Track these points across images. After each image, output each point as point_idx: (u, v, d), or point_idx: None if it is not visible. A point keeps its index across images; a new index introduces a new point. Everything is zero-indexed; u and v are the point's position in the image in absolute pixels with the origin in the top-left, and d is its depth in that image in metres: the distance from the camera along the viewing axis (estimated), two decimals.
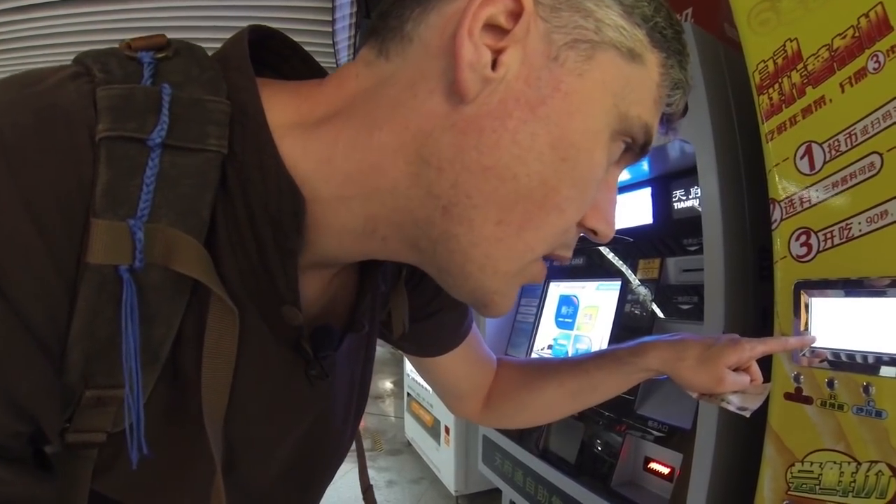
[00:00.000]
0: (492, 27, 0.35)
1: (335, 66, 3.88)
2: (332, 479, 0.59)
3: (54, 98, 0.31)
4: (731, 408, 0.64)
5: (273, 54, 0.45)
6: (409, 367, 3.52)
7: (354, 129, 0.38)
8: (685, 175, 1.46)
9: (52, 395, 0.33)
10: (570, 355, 0.74)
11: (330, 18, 3.57)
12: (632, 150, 0.42)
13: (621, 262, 1.70)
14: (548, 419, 0.79)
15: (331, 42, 3.73)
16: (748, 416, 0.64)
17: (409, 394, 3.57)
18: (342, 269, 0.49)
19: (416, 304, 0.60)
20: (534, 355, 1.96)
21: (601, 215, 0.43)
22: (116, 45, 0.36)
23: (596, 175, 0.40)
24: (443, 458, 2.88)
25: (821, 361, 0.87)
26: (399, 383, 4.97)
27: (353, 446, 0.62)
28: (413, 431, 3.49)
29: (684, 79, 0.42)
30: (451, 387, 0.74)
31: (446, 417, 2.83)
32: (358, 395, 0.59)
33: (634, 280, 1.61)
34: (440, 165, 0.37)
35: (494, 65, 0.35)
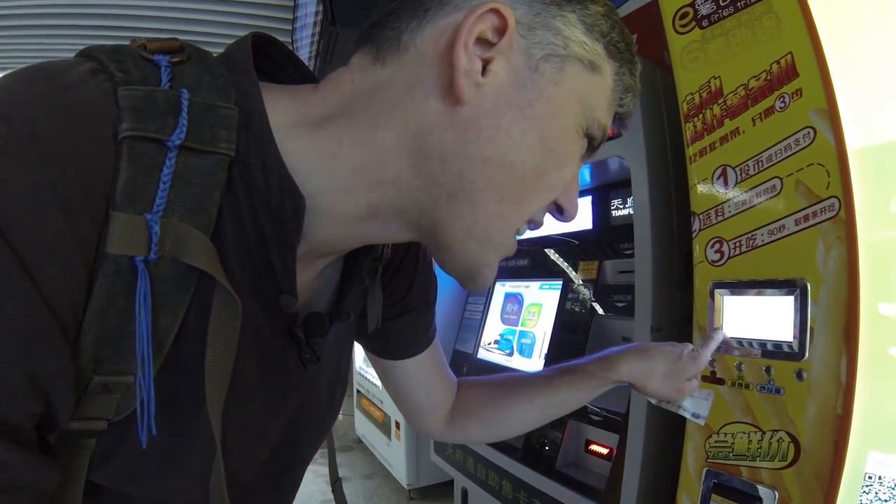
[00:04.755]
0: (481, 41, 0.39)
1: None
2: (307, 467, 0.61)
3: (81, 94, 0.32)
4: (686, 414, 0.71)
5: (268, 59, 0.47)
6: (358, 363, 3.49)
7: (357, 128, 0.41)
8: (622, 186, 1.56)
9: (68, 377, 0.33)
10: (536, 371, 0.76)
11: (291, 17, 3.52)
12: (590, 146, 0.47)
13: (563, 263, 1.79)
14: (514, 434, 0.79)
15: (290, 40, 3.67)
16: (702, 423, 0.73)
17: (358, 391, 3.54)
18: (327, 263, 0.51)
19: (387, 301, 0.62)
20: (481, 349, 2.04)
21: (569, 197, 0.48)
22: (127, 43, 0.37)
23: (575, 159, 0.45)
24: (394, 453, 2.89)
25: (729, 349, 0.98)
26: None
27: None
28: (363, 428, 3.48)
29: (634, 84, 0.47)
30: (413, 398, 0.74)
31: (397, 413, 2.79)
32: (341, 385, 0.61)
33: (575, 280, 1.71)
34: (443, 158, 0.41)
35: (484, 72, 0.40)
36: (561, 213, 0.48)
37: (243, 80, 0.39)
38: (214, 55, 0.40)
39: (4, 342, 0.29)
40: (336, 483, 0.73)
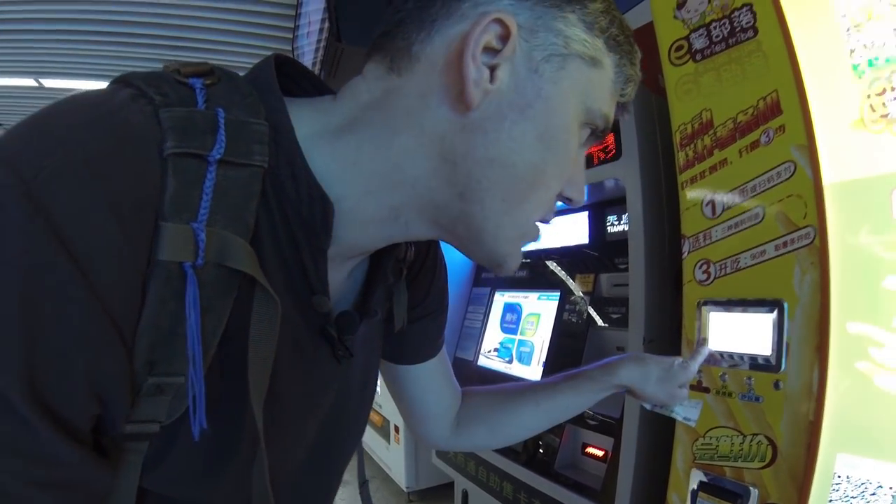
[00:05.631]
0: (487, 49, 0.41)
1: None
2: (345, 467, 0.62)
3: (125, 117, 0.34)
4: (678, 418, 0.76)
5: (285, 77, 0.48)
6: None
7: (376, 135, 0.43)
8: (618, 203, 1.61)
9: (125, 380, 0.34)
10: (542, 379, 0.86)
11: (292, 25, 3.55)
12: (594, 135, 0.48)
13: (562, 273, 1.85)
14: (520, 438, 0.81)
15: (290, 48, 3.69)
16: (693, 425, 0.79)
17: None
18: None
19: (408, 304, 0.63)
20: (481, 357, 2.08)
21: (575, 186, 0.49)
22: (160, 69, 0.40)
23: (571, 156, 0.46)
24: (393, 457, 2.89)
25: (715, 362, 1.05)
26: None
27: None
28: None
29: (635, 73, 0.48)
30: (421, 404, 0.74)
31: (395, 417, 2.84)
32: (371, 385, 0.62)
33: (572, 291, 1.76)
34: (455, 160, 0.42)
35: (491, 79, 0.41)
36: (569, 201, 0.50)
37: (270, 97, 0.41)
38: (241, 75, 0.43)
39: (67, 345, 0.31)
40: (364, 485, 0.74)
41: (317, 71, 2.88)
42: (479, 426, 0.77)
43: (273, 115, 0.40)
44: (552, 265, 1.92)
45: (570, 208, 1.75)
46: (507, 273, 0.50)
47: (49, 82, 4.88)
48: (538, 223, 0.49)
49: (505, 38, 0.41)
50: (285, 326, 0.41)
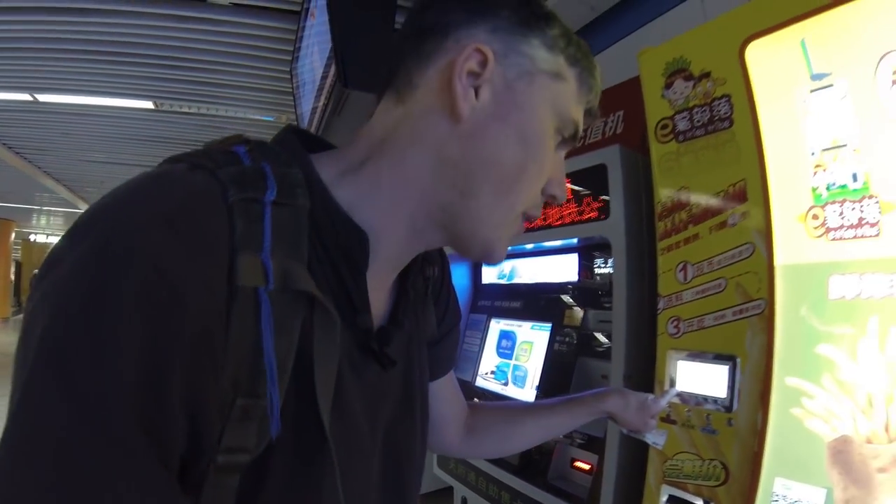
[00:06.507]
0: (470, 72, 0.47)
1: (291, 89, 3.85)
2: (418, 485, 0.64)
3: (191, 180, 0.39)
4: (648, 442, 0.88)
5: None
6: None
7: (391, 158, 0.50)
8: (605, 247, 1.71)
9: (216, 397, 0.37)
10: (541, 400, 0.97)
11: (290, 48, 3.62)
12: (567, 139, 0.54)
13: (570, 301, 1.98)
14: (523, 448, 0.93)
15: (288, 69, 3.79)
16: (660, 448, 0.94)
17: None
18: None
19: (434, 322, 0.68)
20: (479, 378, 2.21)
21: (558, 185, 0.55)
22: (202, 146, 0.45)
23: (548, 155, 0.52)
24: None
25: (682, 400, 1.21)
26: None
27: None
28: None
29: (595, 82, 0.54)
30: (437, 414, 0.75)
31: None
32: (420, 395, 0.63)
33: (566, 322, 1.91)
34: (456, 164, 0.49)
35: (476, 96, 0.48)
36: (554, 199, 0.56)
37: (297, 154, 0.48)
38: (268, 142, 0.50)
39: (165, 359, 0.33)
40: None
41: (321, 108, 2.93)
42: (489, 436, 0.85)
43: (303, 167, 0.47)
44: (544, 299, 2.06)
45: (563, 249, 1.99)
46: (496, 262, 0.55)
47: (44, 97, 4.86)
48: (523, 219, 0.55)
49: (483, 63, 0.48)
50: (341, 344, 0.45)
